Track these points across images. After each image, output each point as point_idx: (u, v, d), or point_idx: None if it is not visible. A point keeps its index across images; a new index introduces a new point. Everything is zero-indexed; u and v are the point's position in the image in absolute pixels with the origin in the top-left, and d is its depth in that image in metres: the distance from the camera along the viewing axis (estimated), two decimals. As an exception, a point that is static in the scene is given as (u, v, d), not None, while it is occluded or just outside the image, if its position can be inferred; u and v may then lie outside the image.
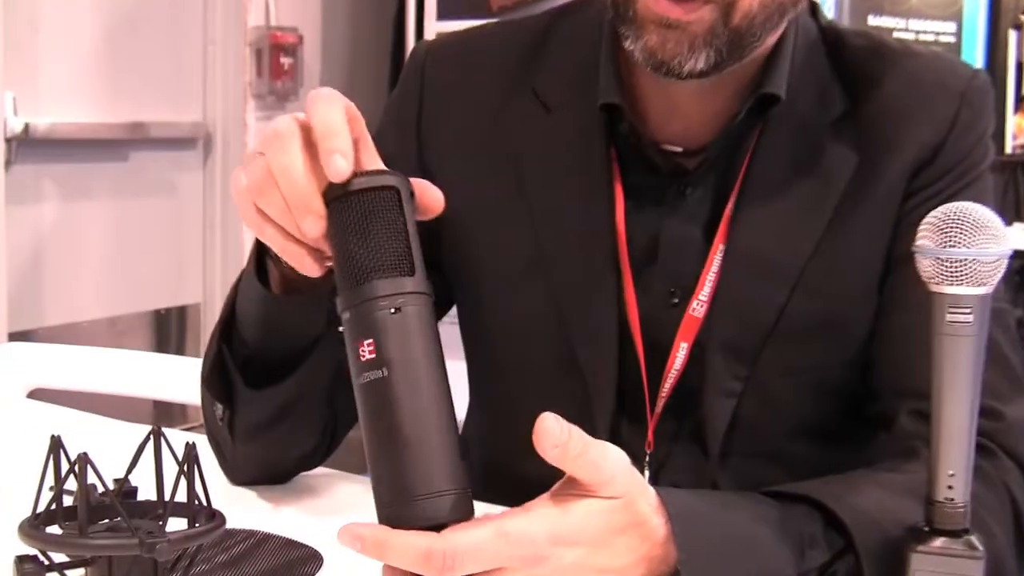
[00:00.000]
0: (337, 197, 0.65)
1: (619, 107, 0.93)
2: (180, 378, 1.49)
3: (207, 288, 3.47)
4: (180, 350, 3.44)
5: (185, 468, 0.65)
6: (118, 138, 3.20)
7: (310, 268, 0.71)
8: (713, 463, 0.94)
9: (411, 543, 0.59)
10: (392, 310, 0.62)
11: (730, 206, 0.94)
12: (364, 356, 0.62)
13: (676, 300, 0.95)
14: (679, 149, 0.94)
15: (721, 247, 0.93)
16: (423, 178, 0.76)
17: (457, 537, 0.61)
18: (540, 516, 0.64)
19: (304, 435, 0.96)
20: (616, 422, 0.97)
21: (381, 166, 0.70)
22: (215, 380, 0.91)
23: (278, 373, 0.88)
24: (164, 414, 3.18)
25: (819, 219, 0.92)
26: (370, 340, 0.62)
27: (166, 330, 3.46)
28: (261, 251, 0.84)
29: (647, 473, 0.96)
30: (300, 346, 0.88)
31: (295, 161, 0.67)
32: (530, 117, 0.98)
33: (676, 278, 0.95)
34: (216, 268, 3.43)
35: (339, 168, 0.65)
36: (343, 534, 0.61)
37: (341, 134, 0.67)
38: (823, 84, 0.94)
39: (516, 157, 0.98)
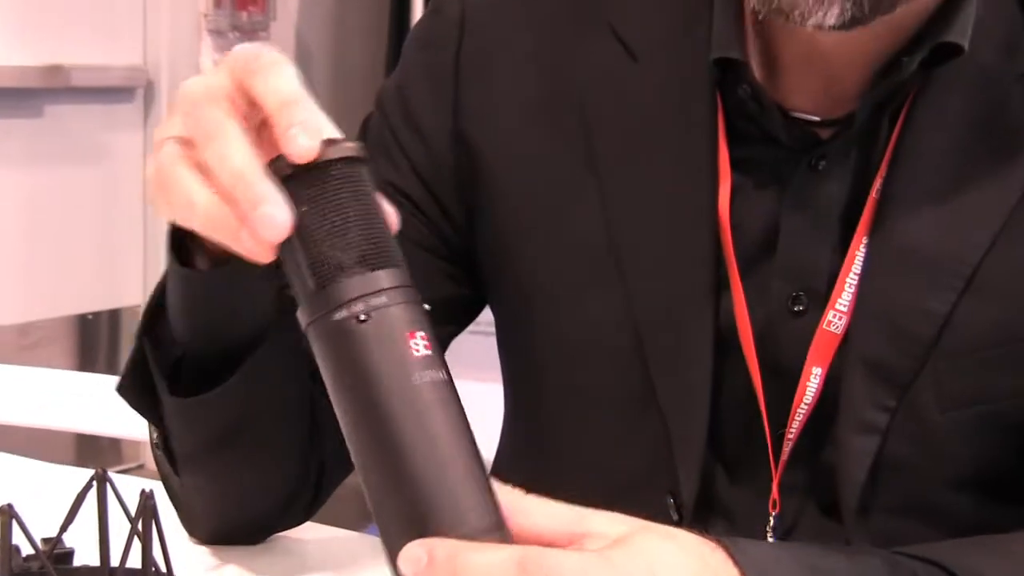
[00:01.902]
0: (289, 176, 0.68)
1: (739, 63, 0.95)
2: (111, 404, 1.47)
3: (148, 286, 3.46)
4: (112, 367, 3.43)
5: (139, 524, 0.65)
6: (30, 86, 3.21)
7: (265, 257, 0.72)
8: (848, 521, 0.95)
9: (498, 555, 0.63)
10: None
11: (877, 186, 0.95)
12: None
13: (800, 308, 0.96)
14: (815, 117, 0.96)
15: (864, 240, 0.95)
16: (455, 153, 0.79)
17: (551, 552, 0.65)
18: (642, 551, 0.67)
19: (269, 470, 0.98)
20: (709, 475, 0.98)
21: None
22: (134, 385, 0.93)
23: (214, 377, 0.90)
24: (87, 452, 3.19)
25: (1001, 202, 0.93)
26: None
27: (93, 341, 3.48)
28: (178, 227, 0.86)
29: (771, 540, 0.97)
30: (241, 338, 0.90)
31: (234, 145, 0.70)
32: (608, 65, 1.00)
33: (801, 280, 0.96)
34: (160, 259, 3.44)
35: (303, 146, 0.67)
36: (405, 556, 0.64)
37: (302, 101, 0.69)
38: (1014, 36, 0.96)
39: (586, 119, 1.00)
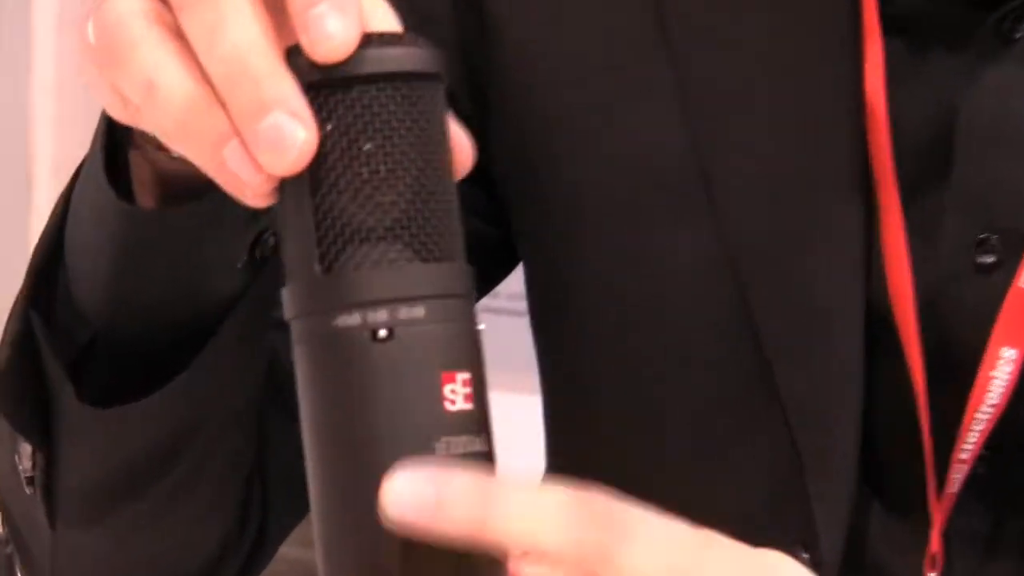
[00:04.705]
0: (321, 87, 0.57)
1: None
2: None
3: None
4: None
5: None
6: None
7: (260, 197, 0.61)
8: None
9: (553, 494, 0.55)
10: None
11: None
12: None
13: (990, 259, 0.83)
14: None
15: None
16: (460, 23, 0.80)
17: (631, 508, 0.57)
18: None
19: (199, 516, 0.86)
20: (860, 519, 0.85)
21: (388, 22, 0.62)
22: (11, 390, 0.79)
23: (154, 373, 0.77)
24: None
25: None
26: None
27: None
28: (116, 129, 0.73)
29: None
30: (197, 316, 0.78)
31: (236, 9, 0.57)
32: None
33: (992, 215, 0.83)
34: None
35: (332, 37, 0.55)
36: (399, 489, 0.54)
37: None
38: None
39: None
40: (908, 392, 0.84)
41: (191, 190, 0.72)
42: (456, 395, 0.56)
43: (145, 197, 0.74)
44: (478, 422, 0.56)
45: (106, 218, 0.74)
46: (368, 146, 0.57)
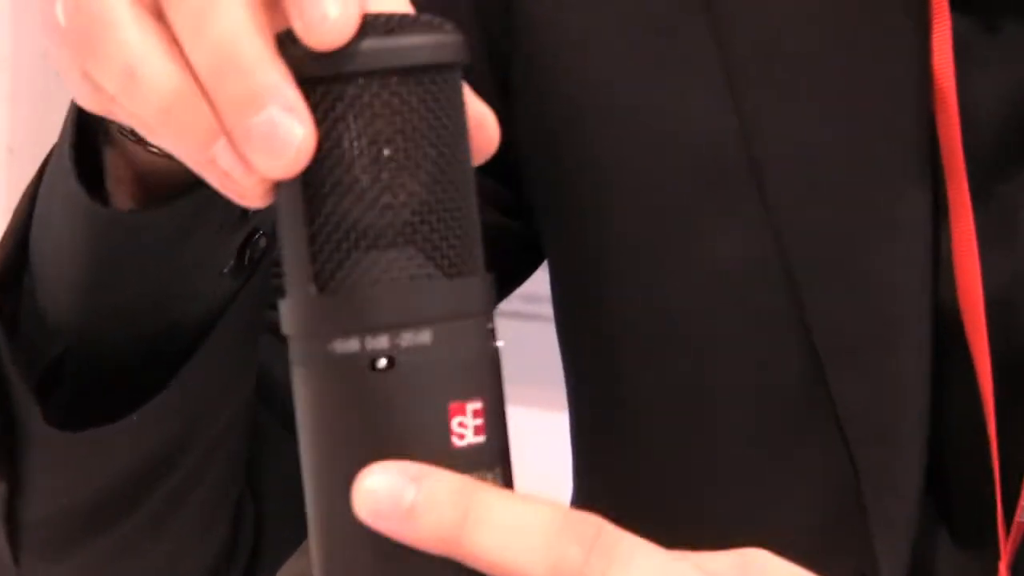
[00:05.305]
0: (319, 82, 0.55)
1: None
2: None
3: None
4: None
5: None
6: None
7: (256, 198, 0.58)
8: None
9: (538, 508, 0.53)
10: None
11: None
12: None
13: None
14: None
15: None
16: (499, 14, 0.80)
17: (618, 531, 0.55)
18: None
19: (181, 548, 0.84)
20: (926, 547, 0.82)
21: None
22: None
23: (131, 392, 0.75)
24: None
25: None
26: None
27: None
28: (87, 120, 0.71)
29: None
30: (181, 327, 0.76)
31: None
32: None
33: None
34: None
35: (334, 20, 0.53)
36: (370, 486, 0.53)
37: None
38: None
39: None
40: (977, 406, 0.81)
41: (172, 187, 0.69)
42: (466, 428, 0.53)
43: (121, 196, 0.71)
44: (491, 454, 0.54)
45: (77, 220, 0.72)
46: (372, 146, 0.54)
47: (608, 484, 0.93)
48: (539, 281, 0.93)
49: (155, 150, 0.67)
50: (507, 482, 0.55)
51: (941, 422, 0.83)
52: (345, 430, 0.54)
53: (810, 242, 0.84)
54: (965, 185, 0.81)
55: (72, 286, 0.75)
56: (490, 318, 0.56)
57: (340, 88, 0.53)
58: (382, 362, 0.52)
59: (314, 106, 0.53)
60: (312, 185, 0.54)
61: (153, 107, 0.55)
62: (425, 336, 0.53)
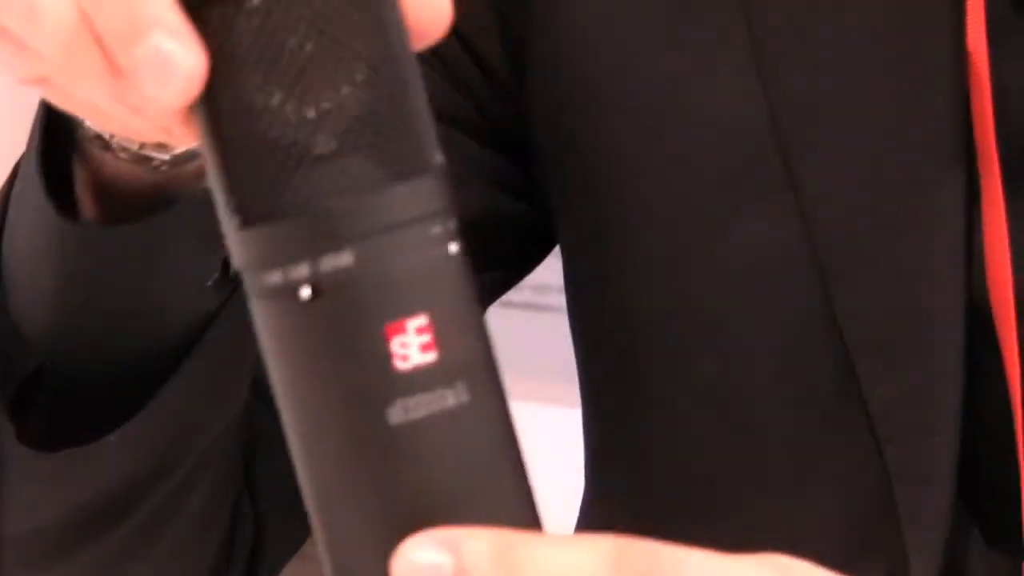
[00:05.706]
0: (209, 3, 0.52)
1: None
2: None
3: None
4: None
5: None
6: None
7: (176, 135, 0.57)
8: None
9: (585, 551, 0.50)
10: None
11: None
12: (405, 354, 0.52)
13: None
14: None
15: None
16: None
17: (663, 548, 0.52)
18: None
19: (177, 551, 0.83)
20: (957, 546, 0.82)
21: None
22: None
23: (111, 409, 0.74)
24: None
25: None
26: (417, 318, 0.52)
27: None
28: (53, 130, 0.71)
29: None
30: (163, 342, 0.75)
31: None
32: None
33: None
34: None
35: None
36: (408, 560, 0.50)
37: None
38: None
39: None
40: (1005, 402, 0.81)
41: (147, 199, 0.69)
42: (408, 348, 0.50)
43: (90, 207, 0.71)
44: (449, 369, 0.51)
45: (47, 231, 0.71)
46: (271, 62, 0.51)
47: (627, 485, 0.92)
48: (551, 268, 0.91)
49: (123, 157, 0.66)
50: (480, 395, 0.52)
51: (972, 418, 0.82)
52: (287, 367, 0.52)
53: (841, 230, 0.82)
54: (997, 172, 0.80)
55: (43, 297, 0.74)
56: (437, 220, 0.52)
57: (231, 8, 0.51)
58: (305, 291, 0.50)
59: (203, 29, 0.51)
60: (215, 111, 0.51)
61: (60, 44, 0.53)
62: (346, 257, 0.51)
